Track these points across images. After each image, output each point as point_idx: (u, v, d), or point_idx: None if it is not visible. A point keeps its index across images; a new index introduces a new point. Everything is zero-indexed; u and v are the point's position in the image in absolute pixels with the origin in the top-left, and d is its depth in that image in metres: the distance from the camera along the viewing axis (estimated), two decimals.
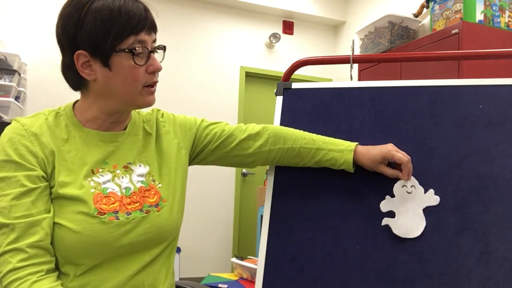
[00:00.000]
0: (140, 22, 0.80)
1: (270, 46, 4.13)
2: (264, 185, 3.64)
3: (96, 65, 0.80)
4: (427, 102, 1.08)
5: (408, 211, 0.97)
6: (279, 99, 1.20)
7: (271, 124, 1.09)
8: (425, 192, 0.98)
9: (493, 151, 0.99)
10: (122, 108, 0.86)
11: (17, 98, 3.07)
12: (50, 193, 0.79)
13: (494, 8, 2.40)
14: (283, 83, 1.21)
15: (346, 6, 4.28)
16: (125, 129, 0.90)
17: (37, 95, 3.34)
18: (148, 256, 0.84)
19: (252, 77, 4.15)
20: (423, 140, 1.04)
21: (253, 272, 2.07)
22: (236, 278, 2.14)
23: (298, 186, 1.07)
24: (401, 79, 2.07)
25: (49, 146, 0.80)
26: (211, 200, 3.84)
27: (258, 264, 1.01)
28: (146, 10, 0.83)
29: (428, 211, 0.96)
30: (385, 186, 1.00)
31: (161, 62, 0.88)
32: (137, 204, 0.83)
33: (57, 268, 0.78)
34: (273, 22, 4.19)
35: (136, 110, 0.96)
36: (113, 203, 0.81)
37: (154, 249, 0.85)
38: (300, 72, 4.70)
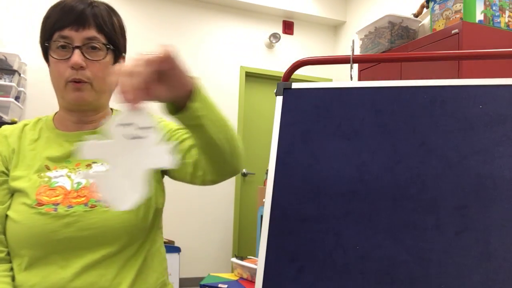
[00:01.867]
0: (64, 19, 0.82)
1: (270, 46, 4.13)
2: (264, 185, 3.64)
3: (47, 61, 0.87)
4: (427, 102, 1.08)
5: (126, 167, 0.57)
6: (279, 99, 1.20)
7: (271, 124, 1.09)
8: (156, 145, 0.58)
9: (493, 151, 0.99)
10: (66, 105, 0.88)
11: (17, 98, 3.07)
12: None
13: (494, 8, 2.40)
14: (283, 83, 1.21)
15: (346, 6, 4.28)
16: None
17: (37, 95, 3.34)
18: (95, 255, 0.79)
19: (252, 77, 4.15)
20: (423, 140, 1.04)
21: (253, 272, 2.07)
22: (236, 278, 2.14)
23: (298, 186, 1.07)
24: (401, 79, 2.07)
25: (13, 145, 0.87)
26: (211, 200, 3.84)
27: (258, 264, 1.01)
28: (87, 7, 0.83)
29: (428, 211, 0.96)
30: (386, 186, 1.00)
31: (103, 60, 0.86)
32: (83, 199, 0.81)
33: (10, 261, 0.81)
34: (273, 22, 4.19)
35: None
36: (56, 196, 0.81)
37: (103, 249, 0.80)
38: (300, 72, 4.70)
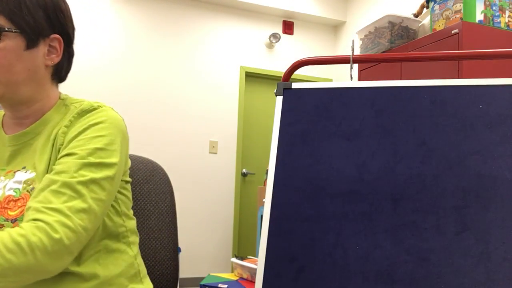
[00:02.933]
0: None
1: (270, 46, 4.13)
2: (264, 185, 3.64)
3: None
4: (427, 102, 1.08)
5: None
6: (279, 99, 1.20)
7: (271, 124, 1.09)
8: None
9: (493, 151, 0.99)
10: None
11: None
12: None
13: (494, 8, 2.40)
14: (283, 83, 1.21)
15: (346, 6, 4.28)
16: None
17: None
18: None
19: (252, 77, 4.15)
20: (423, 140, 1.04)
21: (253, 272, 2.07)
22: (236, 278, 2.14)
23: (298, 186, 1.07)
24: (401, 79, 2.07)
25: None
26: (211, 200, 3.84)
27: (258, 264, 1.01)
28: None
29: (428, 211, 0.96)
30: (386, 186, 1.00)
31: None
32: None
33: None
34: (273, 22, 4.19)
35: (70, 102, 0.84)
36: None
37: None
38: (300, 72, 4.69)
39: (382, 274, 0.94)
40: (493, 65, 2.25)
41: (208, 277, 2.16)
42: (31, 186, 0.73)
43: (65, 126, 0.77)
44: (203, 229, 3.80)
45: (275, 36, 4.04)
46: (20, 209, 0.71)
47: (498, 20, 2.40)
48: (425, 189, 0.99)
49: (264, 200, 1.07)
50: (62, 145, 0.75)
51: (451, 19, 2.40)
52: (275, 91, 1.20)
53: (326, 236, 1.00)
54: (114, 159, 0.75)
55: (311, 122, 1.13)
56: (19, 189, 0.73)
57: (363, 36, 3.02)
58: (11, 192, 0.73)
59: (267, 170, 1.12)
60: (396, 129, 1.07)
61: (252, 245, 4.00)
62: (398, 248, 0.95)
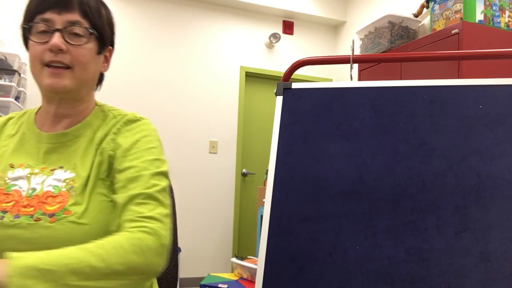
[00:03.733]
0: (46, 1, 0.78)
1: (270, 46, 4.13)
2: (264, 185, 3.64)
3: (26, 47, 0.82)
4: (427, 102, 1.08)
5: None
6: (279, 99, 1.20)
7: (271, 124, 1.09)
8: None
9: (493, 151, 0.99)
10: (45, 94, 0.83)
11: (17, 98, 3.07)
12: None
13: (494, 8, 2.40)
14: (283, 83, 1.21)
15: (346, 6, 4.28)
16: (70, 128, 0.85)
17: (37, 95, 3.34)
18: None
19: (252, 77, 4.15)
20: (423, 140, 1.04)
21: (253, 272, 2.07)
22: (236, 278, 2.14)
23: (298, 186, 1.07)
24: (401, 79, 2.07)
25: None
26: (211, 200, 3.84)
27: (258, 264, 1.01)
28: None
29: (428, 211, 0.96)
30: (386, 186, 1.00)
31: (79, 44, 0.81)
32: (31, 209, 0.75)
33: None
34: (273, 22, 4.19)
35: (107, 109, 0.90)
36: (8, 202, 0.75)
37: None
38: (300, 72, 4.69)
39: (382, 274, 0.94)
40: (493, 65, 2.25)
41: (208, 277, 2.16)
42: (70, 185, 0.78)
43: (113, 133, 0.84)
44: (203, 229, 3.80)
45: (275, 36, 4.04)
46: (58, 205, 0.75)
47: (498, 20, 2.40)
48: (425, 189, 0.99)
49: (264, 200, 1.07)
50: (112, 151, 0.82)
51: (451, 19, 2.40)
52: (275, 91, 1.20)
53: (326, 236, 1.00)
54: (166, 168, 0.83)
55: (311, 122, 1.13)
56: (58, 186, 0.77)
57: (363, 36, 3.02)
58: (50, 188, 0.77)
59: (267, 170, 1.12)
60: (396, 129, 1.07)
61: (252, 245, 4.00)
62: (398, 248, 0.95)
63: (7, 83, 2.93)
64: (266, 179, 3.70)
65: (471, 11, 2.33)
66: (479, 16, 2.35)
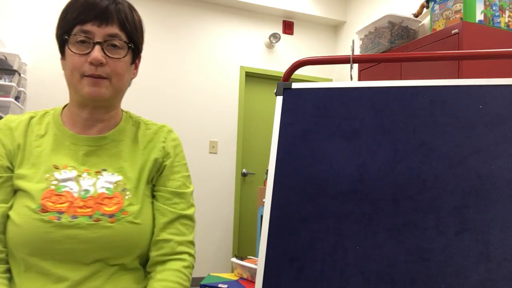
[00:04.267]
0: (86, 13, 0.80)
1: (270, 46, 4.13)
2: (264, 185, 3.64)
3: (62, 55, 0.85)
4: (427, 102, 1.08)
5: None
6: (279, 99, 1.20)
7: (271, 124, 1.10)
8: None
9: (493, 151, 0.99)
10: (80, 100, 0.85)
11: (17, 98, 3.07)
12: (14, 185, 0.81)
13: (494, 8, 2.40)
14: (283, 83, 1.21)
15: (346, 6, 4.28)
16: (107, 133, 0.89)
17: (37, 95, 3.34)
18: (91, 268, 0.78)
19: (252, 77, 4.15)
20: (423, 140, 1.04)
21: (253, 272, 2.07)
22: (236, 278, 2.14)
23: (298, 186, 1.07)
24: (401, 79, 2.07)
25: (18, 140, 0.84)
26: (211, 200, 3.84)
27: (258, 264, 1.01)
28: (111, 3, 0.82)
29: (428, 211, 0.96)
30: (386, 186, 1.00)
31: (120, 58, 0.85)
32: (88, 210, 0.78)
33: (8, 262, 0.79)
34: (273, 22, 4.19)
35: (134, 116, 0.96)
36: (62, 203, 0.78)
37: (101, 263, 0.79)
38: (300, 72, 4.70)
39: (382, 274, 0.94)
40: (493, 65, 2.25)
41: (208, 277, 2.16)
42: (122, 187, 0.84)
43: (163, 141, 0.93)
44: (203, 229, 3.80)
45: (275, 36, 4.04)
46: (116, 206, 0.81)
47: (498, 20, 2.41)
48: (425, 189, 0.99)
49: (264, 200, 1.07)
50: (162, 158, 0.91)
51: (451, 19, 2.40)
52: (275, 91, 1.20)
53: (326, 236, 1.00)
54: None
55: (311, 122, 1.13)
56: (110, 188, 0.82)
57: (363, 36, 3.02)
58: (104, 190, 0.82)
59: (267, 170, 1.12)
60: (396, 129, 1.07)
61: (252, 245, 4.00)
62: (398, 248, 0.95)
63: (7, 83, 2.93)
64: (266, 179, 3.70)
65: (471, 11, 2.33)
66: (479, 16, 2.35)
